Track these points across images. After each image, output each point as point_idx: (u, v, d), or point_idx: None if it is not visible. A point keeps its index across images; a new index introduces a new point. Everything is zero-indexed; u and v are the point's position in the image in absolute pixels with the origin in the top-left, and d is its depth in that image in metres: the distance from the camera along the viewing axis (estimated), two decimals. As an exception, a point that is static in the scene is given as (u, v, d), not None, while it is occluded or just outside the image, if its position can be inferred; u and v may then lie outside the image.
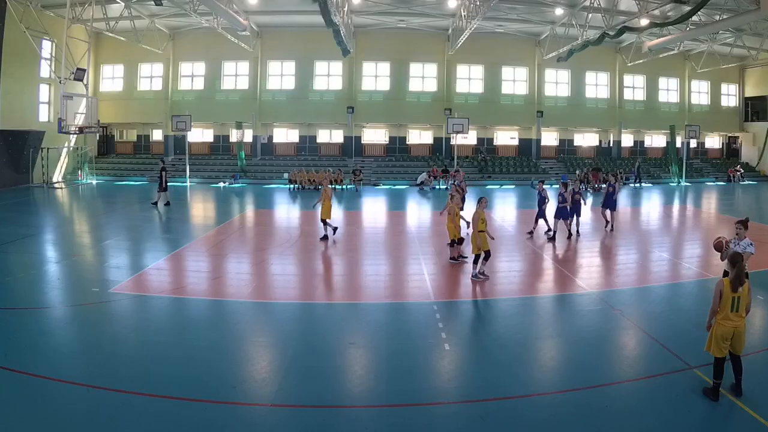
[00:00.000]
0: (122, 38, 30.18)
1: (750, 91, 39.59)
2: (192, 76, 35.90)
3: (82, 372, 6.50)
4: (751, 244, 7.99)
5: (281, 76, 35.91)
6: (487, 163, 35.45)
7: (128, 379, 6.28)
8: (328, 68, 35.74)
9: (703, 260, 13.33)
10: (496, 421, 5.60)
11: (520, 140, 38.12)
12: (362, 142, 36.80)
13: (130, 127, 37.00)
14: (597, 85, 37.84)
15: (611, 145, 38.49)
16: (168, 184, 21.74)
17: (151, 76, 35.60)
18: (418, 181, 31.07)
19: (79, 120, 25.12)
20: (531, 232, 16.01)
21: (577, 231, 15.86)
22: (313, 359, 7.07)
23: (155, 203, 21.23)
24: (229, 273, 11.75)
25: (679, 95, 38.98)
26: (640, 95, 38.57)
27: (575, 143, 38.97)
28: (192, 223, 19.22)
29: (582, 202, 15.91)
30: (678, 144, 35.54)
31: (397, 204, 25.01)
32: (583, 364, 6.99)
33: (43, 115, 29.62)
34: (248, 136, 35.16)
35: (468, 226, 11.18)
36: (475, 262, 10.82)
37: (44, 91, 29.70)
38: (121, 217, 19.03)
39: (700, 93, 39.48)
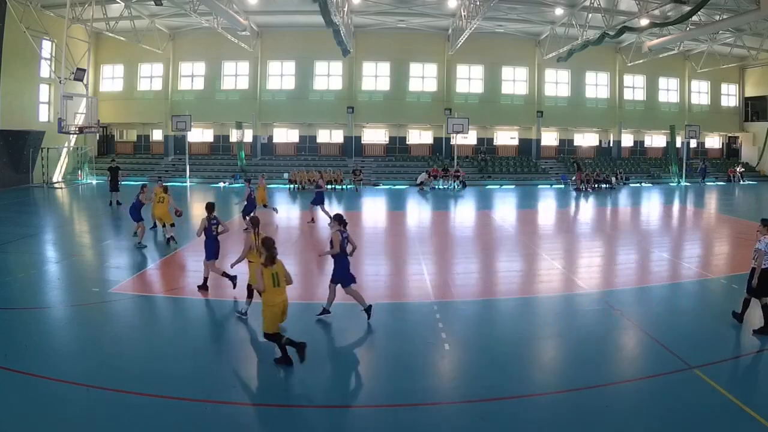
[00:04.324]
0: (122, 38, 30.16)
1: (750, 91, 39.57)
2: (192, 76, 35.87)
3: (82, 372, 6.49)
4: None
5: (281, 76, 35.89)
6: (487, 163, 35.45)
7: (128, 379, 6.28)
8: (328, 68, 35.72)
9: (703, 260, 13.33)
10: (496, 421, 5.60)
11: (520, 140, 38.11)
12: (362, 142, 36.78)
13: (130, 127, 36.98)
14: (597, 85, 37.82)
15: (611, 145, 38.48)
16: (120, 184, 21.68)
17: (151, 76, 35.57)
18: (418, 181, 31.07)
19: (79, 120, 25.10)
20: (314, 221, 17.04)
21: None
22: (313, 359, 7.07)
23: (119, 203, 20.91)
24: (229, 273, 11.71)
25: (679, 95, 38.97)
26: (640, 95, 38.55)
27: (575, 143, 38.96)
28: (192, 223, 19.19)
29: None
30: (678, 144, 35.55)
31: (396, 204, 25.01)
32: (583, 364, 6.99)
33: (43, 115, 29.60)
34: (248, 136, 35.15)
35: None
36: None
37: (44, 91, 29.68)
38: (120, 217, 19.02)
39: (700, 93, 39.47)
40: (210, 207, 10.06)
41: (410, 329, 8.32)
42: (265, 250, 6.78)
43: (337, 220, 8.51)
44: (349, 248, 8.45)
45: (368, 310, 8.45)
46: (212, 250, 9.76)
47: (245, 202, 16.73)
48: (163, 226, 14.35)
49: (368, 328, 8.39)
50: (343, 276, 8.38)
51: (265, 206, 17.70)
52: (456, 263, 12.91)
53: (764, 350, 7.35)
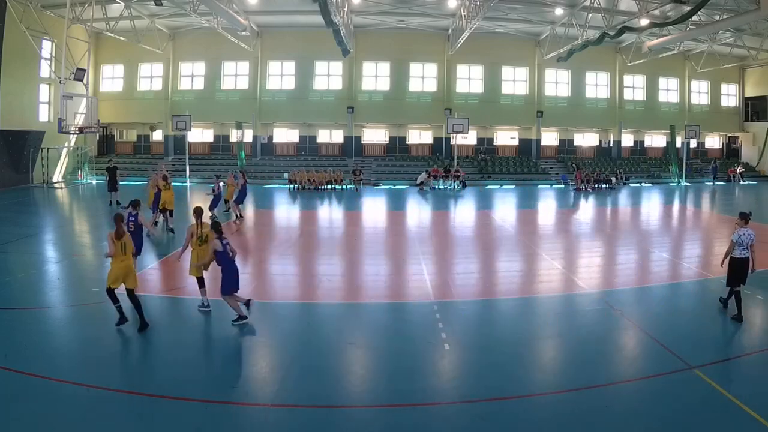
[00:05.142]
0: (122, 38, 30.16)
1: (750, 91, 39.56)
2: (192, 76, 35.87)
3: (82, 372, 6.49)
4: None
5: (281, 76, 35.89)
6: (487, 163, 35.45)
7: (128, 379, 6.28)
8: (328, 68, 35.72)
9: (703, 260, 13.33)
10: (496, 421, 5.60)
11: (520, 140, 38.11)
12: (362, 142, 36.77)
13: (130, 127, 36.99)
14: (597, 85, 37.81)
15: (611, 145, 38.48)
16: (120, 183, 21.85)
17: (151, 76, 35.57)
18: (418, 181, 31.06)
19: (79, 120, 25.08)
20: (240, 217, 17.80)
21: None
22: (313, 359, 7.07)
23: (119, 203, 20.93)
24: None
25: (679, 95, 38.96)
26: (640, 95, 38.54)
27: (575, 143, 38.97)
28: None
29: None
30: (678, 144, 35.55)
31: (396, 204, 25.01)
32: (583, 364, 6.99)
33: (43, 115, 29.58)
34: (248, 136, 35.15)
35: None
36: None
37: (44, 91, 29.66)
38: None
39: (700, 93, 39.46)
40: (133, 203, 10.40)
41: (410, 329, 8.32)
42: (115, 224, 7.85)
43: (214, 229, 8.46)
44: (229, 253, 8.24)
45: (238, 320, 8.13)
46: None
47: (212, 196, 18.08)
48: (171, 214, 15.55)
49: (366, 328, 8.39)
50: (233, 282, 8.15)
51: (226, 201, 18.67)
52: (456, 263, 12.91)
53: (764, 350, 7.36)
